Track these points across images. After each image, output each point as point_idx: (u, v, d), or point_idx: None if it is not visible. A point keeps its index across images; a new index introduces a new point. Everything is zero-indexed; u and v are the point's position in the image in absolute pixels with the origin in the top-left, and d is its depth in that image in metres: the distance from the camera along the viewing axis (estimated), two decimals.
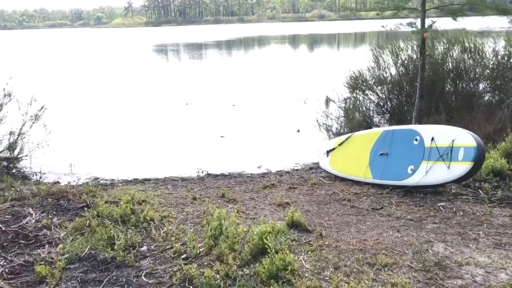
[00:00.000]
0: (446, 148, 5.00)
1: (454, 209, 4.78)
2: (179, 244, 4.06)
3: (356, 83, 9.75)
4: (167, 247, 4.05)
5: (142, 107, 14.07)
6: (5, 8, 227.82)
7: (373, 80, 9.97)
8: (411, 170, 5.30)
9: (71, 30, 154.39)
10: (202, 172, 7.74)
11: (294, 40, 54.45)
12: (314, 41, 51.29)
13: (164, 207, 5.28)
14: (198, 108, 13.57)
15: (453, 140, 4.97)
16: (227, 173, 7.60)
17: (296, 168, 7.83)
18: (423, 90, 8.09)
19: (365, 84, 9.81)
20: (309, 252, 3.80)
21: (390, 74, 9.86)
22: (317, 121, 9.33)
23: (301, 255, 3.77)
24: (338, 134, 9.33)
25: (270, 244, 3.56)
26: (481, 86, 9.03)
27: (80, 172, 8.00)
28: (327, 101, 13.85)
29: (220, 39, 58.89)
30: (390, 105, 9.60)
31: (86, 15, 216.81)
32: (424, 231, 4.23)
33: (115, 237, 4.14)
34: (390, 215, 4.72)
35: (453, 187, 5.34)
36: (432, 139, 5.20)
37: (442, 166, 4.99)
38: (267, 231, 3.78)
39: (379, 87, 9.91)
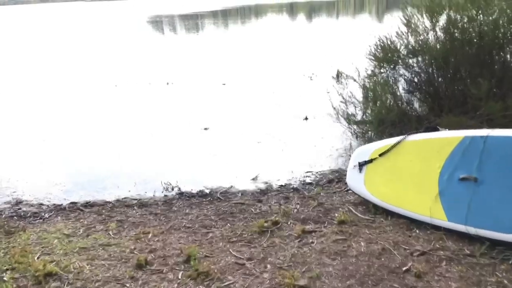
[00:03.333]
0: None
1: None
2: None
3: (385, 54, 7.20)
4: None
5: (113, 88, 11.52)
6: None
7: (406, 50, 7.39)
8: None
9: (65, 4, 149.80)
10: (172, 188, 5.32)
11: (292, 8, 51.19)
12: (313, 8, 48.10)
13: None
14: (180, 90, 11.03)
15: None
16: (207, 190, 5.18)
17: (308, 180, 5.39)
18: None
19: (396, 55, 7.25)
20: None
21: (428, 40, 7.29)
22: (332, 106, 6.82)
23: None
24: (361, 123, 6.86)
25: None
26: None
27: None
28: (339, 76, 11.32)
29: (215, 9, 55.63)
30: (431, 84, 7.08)
31: None
32: None
33: None
34: None
35: None
36: None
37: None
38: None
39: (414, 59, 7.34)
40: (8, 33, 35.35)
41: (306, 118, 7.97)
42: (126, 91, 11.08)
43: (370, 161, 4.20)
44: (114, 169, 6.06)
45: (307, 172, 5.63)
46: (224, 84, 11.29)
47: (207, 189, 5.25)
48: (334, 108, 6.62)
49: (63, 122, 8.55)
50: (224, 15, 44.01)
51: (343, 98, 7.04)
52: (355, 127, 6.61)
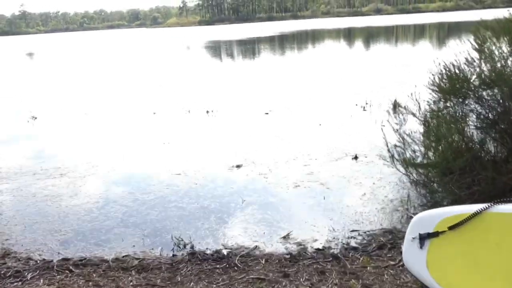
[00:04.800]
0: None
1: None
2: None
3: (453, 85, 5.99)
4: None
5: (150, 115, 10.89)
6: (67, 10, 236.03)
7: (478, 80, 6.13)
8: None
9: (128, 30, 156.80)
10: (184, 246, 4.35)
11: (349, 34, 50.03)
12: (371, 34, 46.69)
13: None
14: (218, 119, 10.20)
15: None
16: (225, 251, 4.17)
17: (352, 243, 4.26)
18: None
19: (465, 85, 6.02)
20: None
21: (506, 69, 6.00)
22: (387, 145, 5.67)
23: None
24: (421, 168, 5.63)
25: None
26: None
27: None
28: (396, 108, 10.08)
29: (273, 34, 55.56)
30: (510, 121, 5.77)
31: (143, 15, 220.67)
32: None
33: None
34: None
35: None
36: None
37: None
38: None
39: (488, 91, 6.07)
40: (70, 57, 36.64)
41: (356, 157, 6.83)
42: (162, 119, 10.39)
43: (436, 234, 2.99)
44: (126, 214, 5.20)
45: (353, 231, 4.49)
46: (267, 114, 10.35)
47: (225, 248, 4.25)
48: (389, 150, 5.45)
49: (86, 153, 7.90)
50: (281, 41, 43.58)
51: (400, 137, 5.85)
52: (414, 173, 5.40)
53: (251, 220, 4.87)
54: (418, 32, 46.23)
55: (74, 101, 13.77)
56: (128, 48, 46.89)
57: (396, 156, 5.61)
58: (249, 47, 37.33)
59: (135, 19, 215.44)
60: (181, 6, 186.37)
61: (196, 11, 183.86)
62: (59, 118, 11.27)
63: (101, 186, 6.17)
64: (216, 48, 38.59)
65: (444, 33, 41.23)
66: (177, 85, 16.66)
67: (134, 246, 4.45)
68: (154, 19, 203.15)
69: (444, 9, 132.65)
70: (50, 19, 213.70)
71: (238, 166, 6.68)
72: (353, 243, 4.25)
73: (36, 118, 11.17)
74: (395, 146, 5.74)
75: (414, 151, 5.50)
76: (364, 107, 10.39)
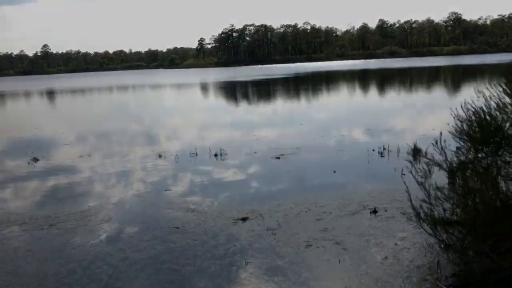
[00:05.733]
0: None
1: None
2: None
3: (485, 133, 5.36)
4: None
5: (155, 158, 10.35)
6: (88, 50, 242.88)
7: None
8: None
9: (147, 71, 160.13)
10: None
11: (363, 76, 49.90)
12: (384, 76, 46.48)
13: None
14: (227, 162, 9.63)
15: None
16: None
17: None
18: None
19: (500, 134, 5.40)
20: None
21: None
22: (410, 200, 4.97)
23: None
24: (451, 226, 4.92)
25: None
26: None
27: None
28: (416, 154, 9.42)
29: (288, 75, 55.83)
30: None
31: (161, 56, 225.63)
32: None
33: None
34: None
35: None
36: None
37: None
38: None
39: None
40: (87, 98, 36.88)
41: (375, 211, 6.13)
42: (167, 163, 9.85)
43: None
44: (112, 276, 4.56)
45: None
46: (278, 158, 9.75)
47: None
48: (414, 207, 4.76)
49: (81, 200, 7.34)
50: (296, 81, 43.54)
51: (426, 191, 5.16)
52: (444, 235, 4.69)
53: (253, 287, 4.18)
54: (433, 74, 45.89)
55: (76, 141, 13.38)
56: (149, 89, 47.30)
57: (422, 214, 4.92)
58: (263, 87, 37.23)
59: (153, 60, 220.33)
60: (198, 47, 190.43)
61: (213, 53, 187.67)
62: (61, 159, 10.81)
63: (90, 240, 5.54)
64: (229, 88, 38.58)
65: (460, 75, 40.79)
66: (186, 125, 16.26)
67: None
68: (171, 60, 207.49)
69: (458, 52, 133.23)
70: (71, 59, 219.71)
71: (243, 219, 6.02)
72: None
73: (37, 160, 10.72)
74: (422, 203, 5.06)
75: (444, 209, 4.81)
76: (381, 153, 9.74)
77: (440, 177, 5.98)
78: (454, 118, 5.73)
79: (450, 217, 5.06)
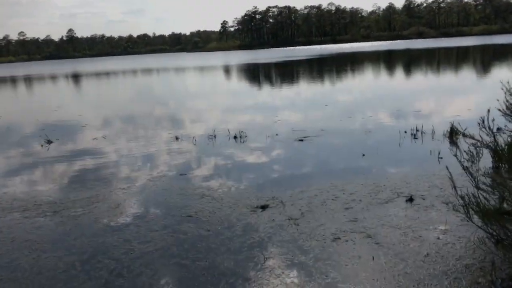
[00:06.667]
0: None
1: None
2: None
3: None
4: None
5: (173, 141, 9.82)
6: (112, 34, 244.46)
7: None
8: None
9: (170, 54, 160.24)
10: None
11: (389, 56, 48.34)
12: (412, 56, 44.88)
13: None
14: (247, 145, 9.02)
15: None
16: None
17: None
18: None
19: None
20: None
21: None
22: (454, 189, 4.26)
23: None
24: (503, 216, 4.20)
25: None
26: None
27: None
28: (453, 135, 8.65)
29: (312, 57, 54.66)
30: None
31: (184, 40, 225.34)
32: None
33: None
34: None
35: None
36: None
37: None
38: None
39: None
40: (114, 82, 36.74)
41: (411, 199, 5.44)
42: (183, 146, 9.32)
43: None
44: (113, 272, 4.05)
45: None
46: (301, 140, 9.09)
47: None
48: (462, 197, 4.06)
49: (90, 185, 6.86)
50: (320, 63, 42.45)
51: (472, 177, 4.44)
52: (496, 227, 3.99)
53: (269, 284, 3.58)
54: (462, 54, 44.08)
55: (93, 124, 12.98)
56: (174, 72, 46.97)
57: (470, 204, 4.21)
58: (287, 69, 36.35)
59: (176, 43, 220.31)
60: (221, 30, 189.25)
61: (236, 36, 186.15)
62: (75, 142, 10.40)
63: (94, 229, 5.04)
64: (252, 70, 37.82)
65: (491, 55, 39.02)
66: (206, 108, 15.70)
67: None
68: (194, 43, 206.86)
69: (489, 32, 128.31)
70: (96, 43, 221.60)
71: (263, 207, 5.42)
72: None
73: (51, 142, 10.33)
74: (468, 191, 4.36)
75: (496, 199, 4.10)
76: (414, 135, 8.98)
77: (487, 161, 5.26)
78: (505, 93, 4.93)
79: (504, 207, 4.35)
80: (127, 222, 5.21)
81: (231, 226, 4.90)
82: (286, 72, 33.09)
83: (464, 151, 4.55)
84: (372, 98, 15.60)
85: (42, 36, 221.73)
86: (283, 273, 3.85)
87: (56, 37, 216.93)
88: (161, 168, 7.60)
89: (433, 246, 4.19)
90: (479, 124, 4.72)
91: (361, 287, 3.56)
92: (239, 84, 26.01)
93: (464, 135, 4.64)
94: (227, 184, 6.46)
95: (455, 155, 4.44)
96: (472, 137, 4.55)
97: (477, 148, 4.65)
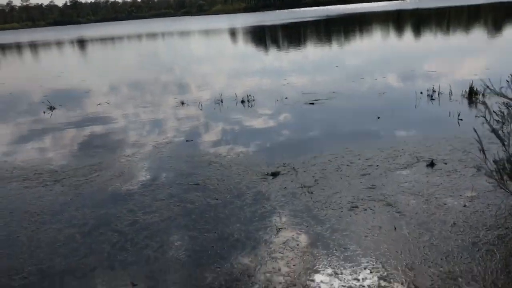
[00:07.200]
0: None
1: None
2: None
3: None
4: None
5: (178, 105, 9.47)
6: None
7: None
8: None
9: (175, 18, 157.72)
10: None
11: (398, 16, 46.91)
12: (422, 16, 43.50)
13: None
14: (255, 110, 8.66)
15: None
16: None
17: None
18: None
19: None
20: None
21: None
22: (482, 151, 3.91)
23: None
24: None
25: None
26: None
27: None
28: (472, 96, 8.22)
29: (319, 18, 53.28)
30: None
31: (189, 3, 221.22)
32: None
33: None
34: None
35: None
36: None
37: None
38: None
39: None
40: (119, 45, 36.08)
41: (432, 164, 5.10)
42: (190, 110, 8.98)
43: None
44: (116, 245, 3.79)
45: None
46: (312, 104, 8.70)
47: None
48: (495, 161, 3.71)
49: (92, 152, 6.57)
50: (328, 24, 41.33)
51: (503, 140, 4.07)
52: None
53: (286, 263, 3.30)
54: (473, 13, 42.65)
55: (97, 89, 12.62)
56: (178, 35, 46.08)
57: (505, 169, 3.86)
58: (294, 31, 35.40)
59: (181, 7, 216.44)
60: None
61: None
62: (78, 108, 10.09)
63: (97, 199, 4.78)
64: (258, 33, 36.90)
65: (503, 14, 37.70)
66: (212, 72, 15.25)
67: None
68: (199, 6, 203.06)
69: None
70: (100, 8, 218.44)
71: (274, 175, 5.12)
72: None
73: (53, 108, 10.03)
74: (497, 155, 4.00)
75: None
76: (431, 96, 8.55)
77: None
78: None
79: None
80: (131, 191, 4.94)
81: (241, 195, 4.61)
82: (293, 34, 32.20)
83: (494, 112, 4.17)
84: (383, 59, 15.02)
85: (45, 2, 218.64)
86: (297, 245, 3.57)
87: (59, 3, 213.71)
88: (166, 134, 7.28)
89: (459, 214, 3.87)
90: (507, 82, 4.31)
91: (384, 260, 3.27)
92: (245, 48, 25.35)
93: (496, 93, 4.18)
94: (236, 150, 6.15)
95: (483, 116, 4.05)
96: (505, 96, 4.15)
97: (509, 108, 4.26)
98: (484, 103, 4.31)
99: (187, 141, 6.80)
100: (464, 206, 4.02)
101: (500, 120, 4.18)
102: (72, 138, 7.47)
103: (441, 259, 3.24)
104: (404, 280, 3.02)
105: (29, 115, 9.71)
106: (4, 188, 5.30)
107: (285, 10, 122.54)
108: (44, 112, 9.71)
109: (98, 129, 7.98)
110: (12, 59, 30.30)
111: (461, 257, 3.24)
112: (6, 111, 10.35)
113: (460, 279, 2.99)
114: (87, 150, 6.69)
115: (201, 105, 9.27)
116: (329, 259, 3.34)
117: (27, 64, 25.07)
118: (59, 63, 23.79)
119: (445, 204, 4.10)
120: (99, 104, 10.26)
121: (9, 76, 19.17)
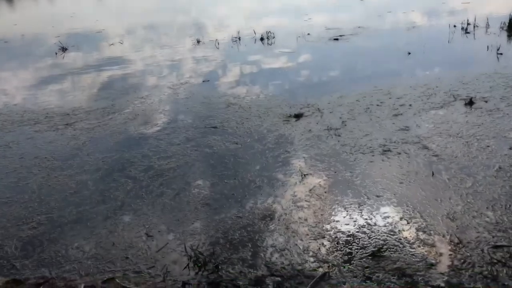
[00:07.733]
0: None
1: None
2: None
3: None
4: None
5: (194, 45, 9.02)
6: None
7: None
8: None
9: None
10: (204, 264, 2.62)
11: None
12: None
13: None
14: (275, 47, 8.16)
15: None
16: (272, 282, 2.40)
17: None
18: None
19: None
20: None
21: None
22: None
23: None
24: None
25: None
26: None
27: None
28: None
29: None
30: None
31: None
32: None
33: None
34: None
35: None
36: None
37: None
38: None
39: None
40: None
41: (471, 102, 4.65)
42: (206, 48, 8.53)
43: None
44: (128, 195, 3.54)
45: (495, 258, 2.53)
46: (336, 39, 8.14)
47: (272, 274, 2.47)
48: None
49: (107, 93, 6.26)
50: None
51: None
52: None
53: (313, 212, 3.02)
54: None
55: (110, 29, 12.15)
56: None
57: None
58: None
59: None
60: None
61: None
62: (91, 48, 9.71)
63: (110, 143, 4.52)
64: None
65: None
66: (230, 11, 14.54)
67: (124, 269, 2.78)
68: None
69: None
70: None
71: (297, 116, 4.75)
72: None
73: (65, 49, 9.67)
74: None
75: None
76: (465, 29, 7.89)
77: None
78: None
79: None
80: (146, 135, 4.66)
81: (262, 138, 4.28)
82: None
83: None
84: None
85: None
86: (324, 193, 3.26)
87: None
88: (182, 74, 6.91)
89: (505, 158, 3.49)
90: None
91: (422, 209, 2.95)
92: None
93: None
94: (255, 91, 5.76)
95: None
96: None
97: None
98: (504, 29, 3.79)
99: (203, 81, 6.42)
100: (510, 148, 3.63)
101: None
102: (84, 80, 7.16)
103: (487, 207, 2.90)
104: (445, 232, 2.71)
105: (40, 57, 9.39)
106: (14, 132, 5.08)
107: None
108: (56, 54, 9.37)
109: (111, 70, 7.64)
110: (25, 0, 29.64)
111: (509, 205, 2.90)
112: (17, 53, 10.05)
113: (510, 231, 2.66)
114: (100, 92, 6.39)
115: (218, 43, 8.79)
116: (360, 208, 3.03)
117: (40, 5, 24.47)
118: (72, 4, 23.14)
119: (488, 146, 3.70)
120: (112, 44, 9.85)
121: (21, 17, 18.72)
